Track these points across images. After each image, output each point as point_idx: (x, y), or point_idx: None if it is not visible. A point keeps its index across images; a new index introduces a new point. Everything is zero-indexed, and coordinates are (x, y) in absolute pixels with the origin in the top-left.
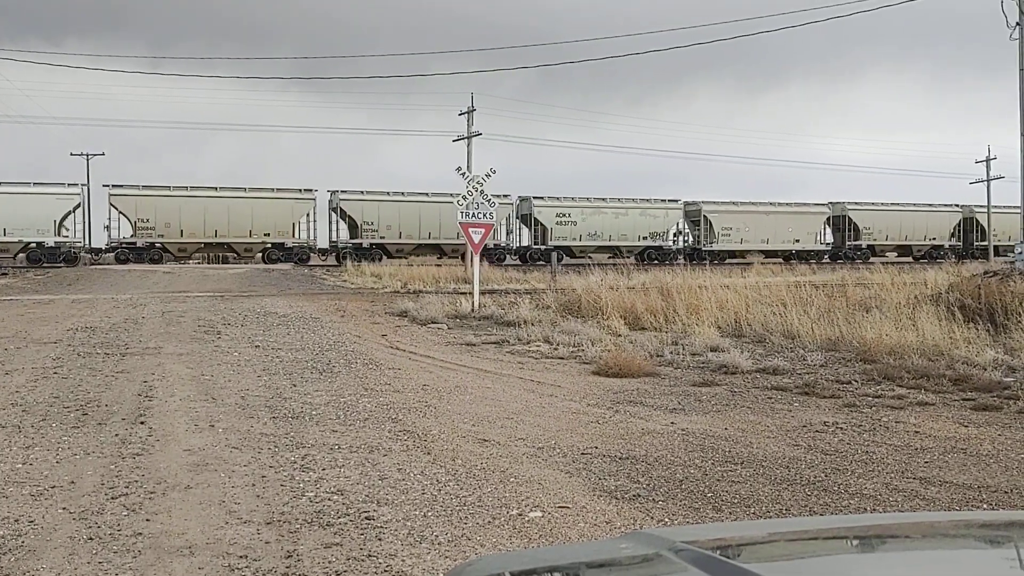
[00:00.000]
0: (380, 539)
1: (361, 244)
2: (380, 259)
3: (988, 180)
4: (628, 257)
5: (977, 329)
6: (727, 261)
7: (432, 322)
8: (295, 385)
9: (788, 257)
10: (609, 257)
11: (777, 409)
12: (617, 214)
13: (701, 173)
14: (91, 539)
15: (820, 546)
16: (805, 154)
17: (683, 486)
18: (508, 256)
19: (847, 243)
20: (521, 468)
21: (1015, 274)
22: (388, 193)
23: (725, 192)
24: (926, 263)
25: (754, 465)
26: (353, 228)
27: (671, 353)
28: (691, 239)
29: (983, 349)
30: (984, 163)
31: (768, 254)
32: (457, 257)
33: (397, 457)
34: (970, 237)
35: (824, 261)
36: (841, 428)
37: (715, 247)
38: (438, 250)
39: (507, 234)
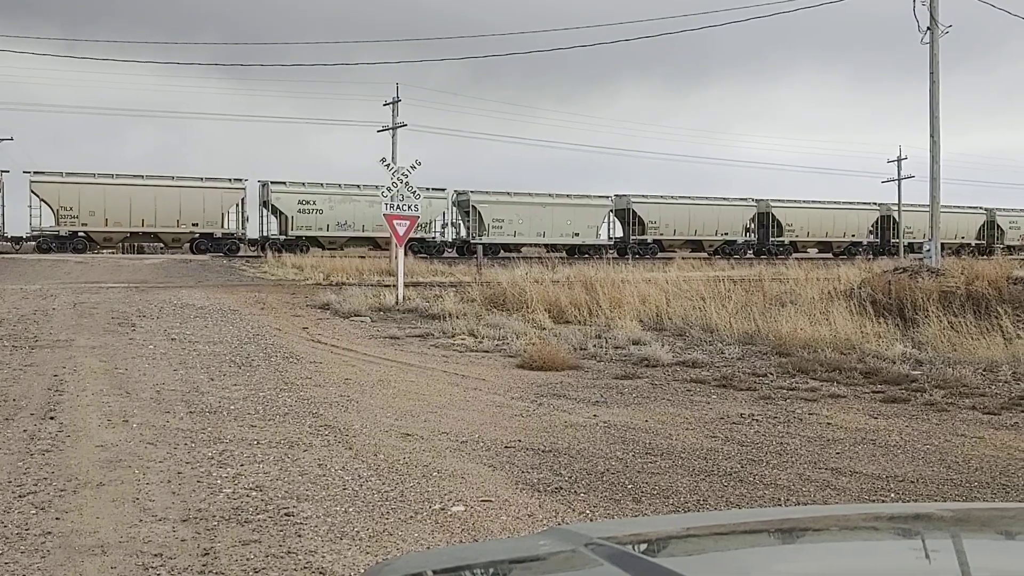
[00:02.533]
0: (300, 535)
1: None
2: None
3: (899, 179)
4: (387, 249)
5: (887, 324)
6: (500, 255)
7: (355, 315)
8: (213, 379)
9: (579, 249)
10: (370, 248)
11: (696, 401)
12: (372, 202)
13: (629, 168)
14: None
15: (735, 541)
16: (731, 152)
17: (604, 478)
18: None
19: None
20: (444, 462)
21: (924, 271)
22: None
23: (652, 187)
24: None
25: (673, 456)
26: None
27: (594, 346)
28: (464, 231)
29: (893, 343)
30: (896, 163)
31: (548, 248)
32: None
33: (318, 452)
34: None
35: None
36: (757, 420)
37: (484, 240)
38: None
39: (442, 228)
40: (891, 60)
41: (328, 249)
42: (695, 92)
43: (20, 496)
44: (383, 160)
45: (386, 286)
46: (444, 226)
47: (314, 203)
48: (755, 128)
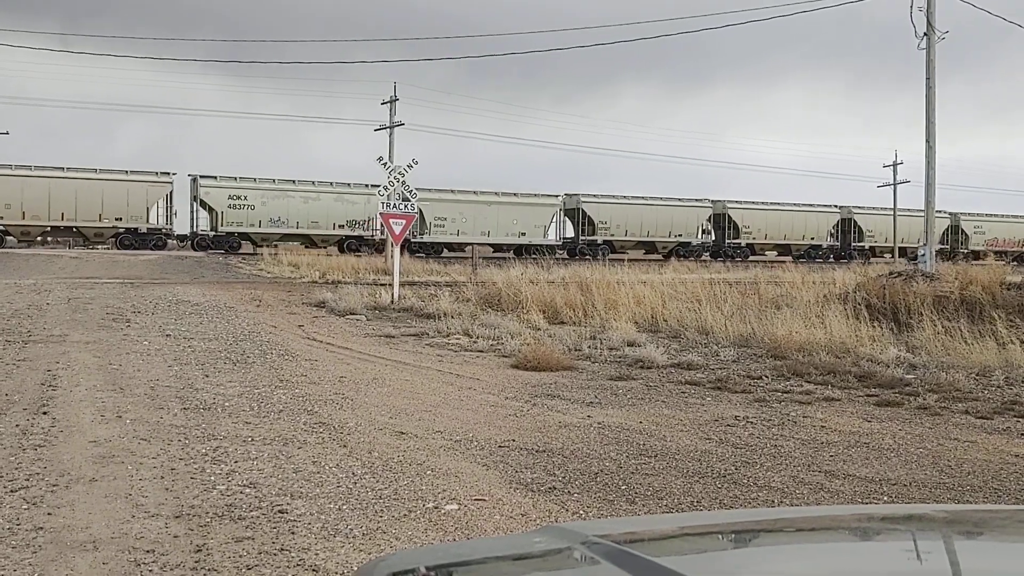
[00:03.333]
0: (293, 533)
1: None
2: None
3: (895, 184)
4: (323, 247)
5: (882, 328)
6: (443, 254)
7: (351, 313)
8: (207, 376)
9: (527, 249)
10: (305, 246)
11: (690, 403)
12: (307, 198)
13: (625, 170)
14: None
15: (729, 540)
16: (729, 155)
17: (598, 479)
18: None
19: (727, 241)
20: (438, 461)
21: (918, 275)
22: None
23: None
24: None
25: (667, 458)
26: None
27: (589, 347)
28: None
29: (887, 347)
30: (892, 167)
31: (494, 248)
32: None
33: (312, 450)
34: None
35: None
36: (751, 422)
37: (426, 239)
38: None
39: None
40: (888, 65)
41: (260, 246)
42: (694, 95)
43: (11, 491)
44: (380, 159)
45: (382, 285)
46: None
47: (245, 198)
48: (753, 131)
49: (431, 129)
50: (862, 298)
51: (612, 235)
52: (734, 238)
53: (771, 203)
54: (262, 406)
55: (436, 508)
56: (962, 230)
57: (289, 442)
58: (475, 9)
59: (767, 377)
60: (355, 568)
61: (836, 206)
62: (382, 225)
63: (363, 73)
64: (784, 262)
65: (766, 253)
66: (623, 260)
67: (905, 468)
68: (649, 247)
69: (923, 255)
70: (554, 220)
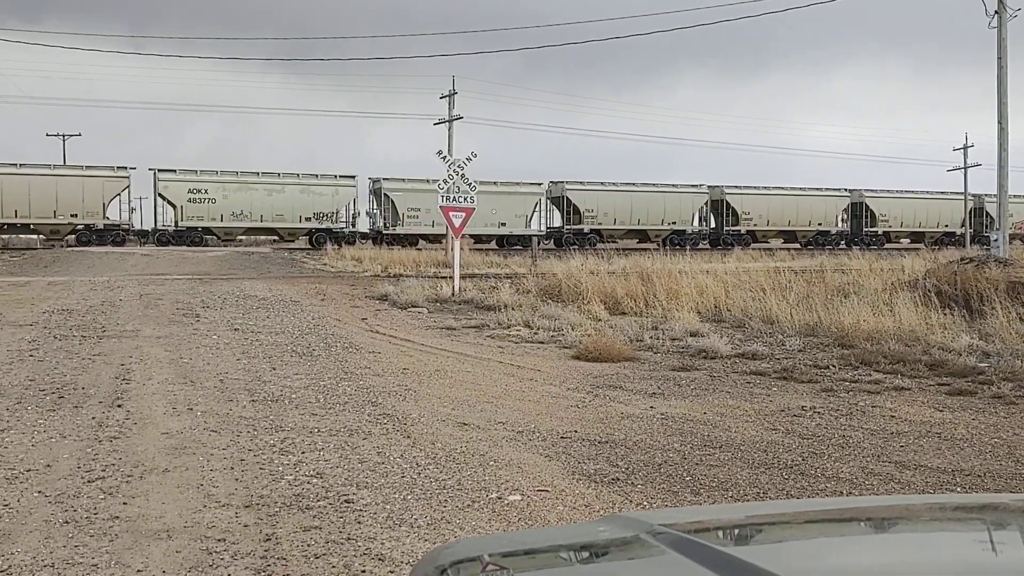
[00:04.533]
0: (359, 522)
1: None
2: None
3: (965, 167)
4: (291, 240)
5: (953, 315)
6: (418, 245)
7: (412, 306)
8: (274, 368)
9: (508, 240)
10: (274, 241)
11: (756, 394)
12: (271, 191)
13: (685, 158)
14: (67, 523)
15: (798, 529)
16: (787, 140)
17: (662, 470)
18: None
19: (724, 229)
20: (501, 452)
21: (991, 261)
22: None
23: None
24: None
25: (732, 449)
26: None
27: (651, 338)
28: (380, 221)
29: (958, 335)
30: (962, 150)
31: (475, 238)
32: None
33: (377, 441)
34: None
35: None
36: (818, 412)
37: (399, 230)
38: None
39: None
40: (956, 47)
41: (225, 241)
42: (754, 81)
43: (89, 481)
44: (439, 152)
45: (442, 278)
46: (356, 215)
47: (206, 192)
48: (815, 117)
49: (489, 121)
50: (932, 285)
51: (600, 224)
52: (733, 225)
53: (773, 187)
54: (328, 398)
55: (499, 499)
56: (986, 212)
57: (354, 433)
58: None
59: (834, 366)
60: (420, 557)
61: (846, 189)
62: (353, 217)
63: (421, 67)
64: (791, 249)
65: (769, 240)
66: (612, 250)
67: (979, 458)
68: (641, 236)
69: (995, 240)
70: (537, 209)
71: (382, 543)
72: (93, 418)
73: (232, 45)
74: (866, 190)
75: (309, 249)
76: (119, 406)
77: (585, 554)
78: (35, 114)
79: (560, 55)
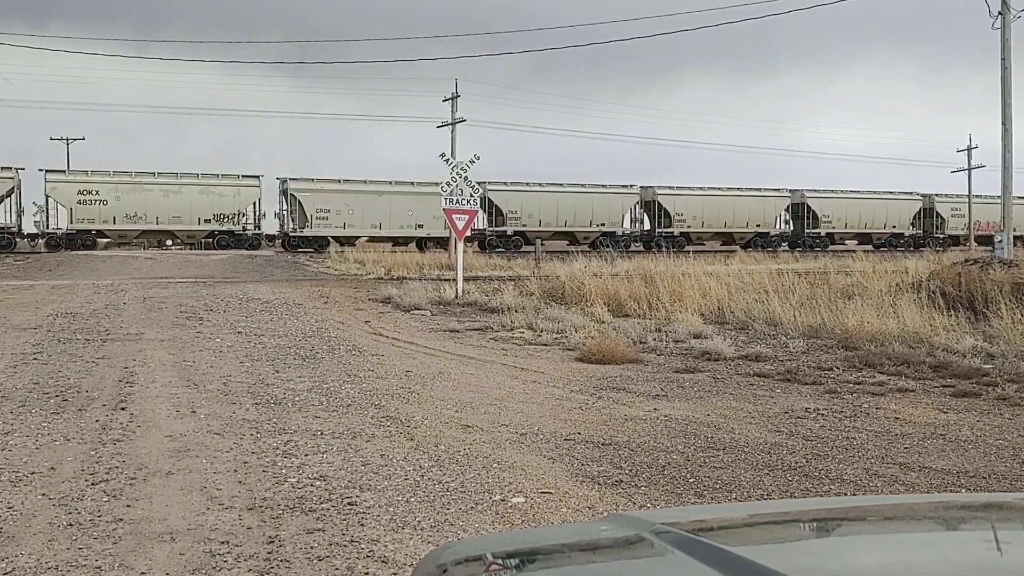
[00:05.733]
0: (363, 524)
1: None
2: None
3: (969, 169)
4: (191, 243)
5: (957, 317)
6: (328, 248)
7: (416, 308)
8: (278, 371)
9: (426, 242)
10: (167, 242)
11: (759, 396)
12: (167, 191)
13: (690, 160)
14: (71, 525)
15: (801, 528)
16: (791, 142)
17: (665, 472)
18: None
19: (806, 231)
20: (504, 454)
21: (995, 262)
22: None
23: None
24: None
25: (736, 451)
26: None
27: (654, 340)
28: (288, 223)
29: (963, 336)
30: (966, 152)
31: (392, 241)
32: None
33: (380, 443)
34: (801, 224)
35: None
36: (822, 414)
37: (307, 232)
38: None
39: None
40: (960, 49)
41: (120, 243)
42: (759, 83)
43: (93, 484)
44: (442, 155)
45: (445, 280)
46: (262, 217)
47: (97, 193)
48: (821, 119)
49: (493, 124)
50: (936, 286)
51: (524, 225)
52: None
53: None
54: (331, 401)
55: (503, 501)
56: (937, 213)
57: (358, 436)
58: (535, 3)
59: (838, 368)
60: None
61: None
62: (260, 219)
63: (427, 71)
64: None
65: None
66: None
67: (984, 460)
68: (570, 238)
69: (1000, 241)
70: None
71: (385, 545)
72: (97, 421)
73: (236, 49)
74: (808, 190)
75: (312, 252)
76: (123, 409)
77: (588, 553)
78: (39, 118)
79: (568, 59)
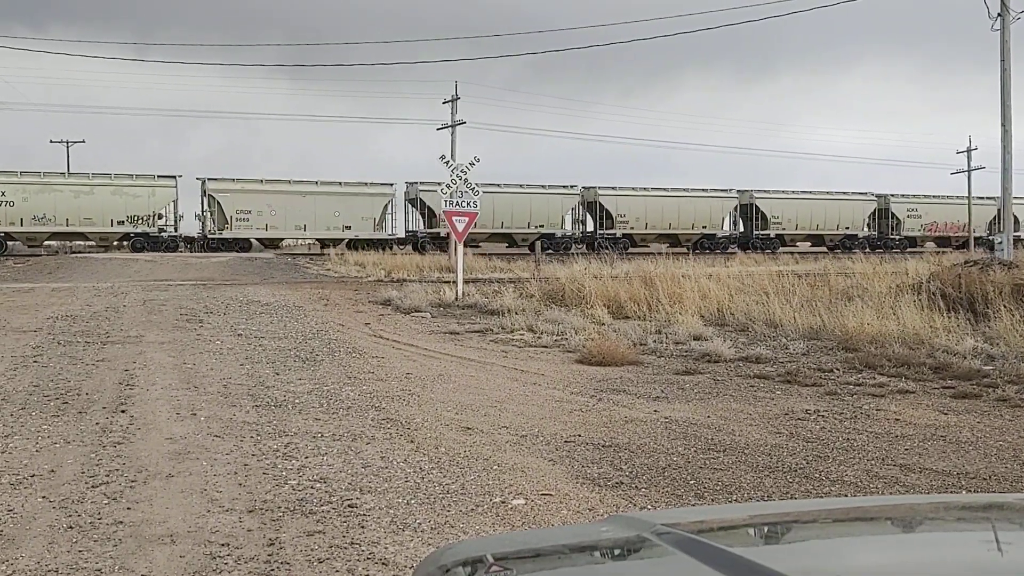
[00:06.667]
0: (363, 527)
1: None
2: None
3: (969, 171)
4: (105, 246)
5: (957, 318)
6: (248, 250)
7: (416, 311)
8: (278, 373)
9: (356, 244)
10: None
11: (759, 397)
12: (78, 192)
13: (690, 162)
14: (71, 528)
15: (802, 529)
16: (794, 144)
17: (666, 473)
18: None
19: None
20: (504, 456)
21: (995, 263)
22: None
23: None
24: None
25: (736, 452)
26: None
27: (654, 342)
28: (208, 224)
29: (963, 338)
30: (965, 153)
31: (321, 243)
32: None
33: (380, 445)
34: (751, 225)
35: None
36: (823, 416)
37: (227, 234)
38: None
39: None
40: (961, 50)
41: (30, 246)
42: (761, 84)
43: (93, 487)
44: (443, 157)
45: (446, 282)
46: (180, 218)
47: (3, 195)
48: (821, 120)
49: (493, 127)
50: (936, 288)
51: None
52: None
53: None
54: (331, 403)
55: (503, 503)
56: (893, 214)
57: (358, 438)
58: (537, 3)
59: (838, 370)
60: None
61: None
62: (178, 220)
63: (427, 73)
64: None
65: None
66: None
67: (984, 461)
68: (508, 239)
69: (1000, 242)
70: (387, 210)
71: (385, 547)
72: (97, 423)
73: (236, 52)
74: (756, 190)
75: (313, 255)
76: (123, 411)
77: (589, 554)
78: (40, 121)
79: (569, 61)
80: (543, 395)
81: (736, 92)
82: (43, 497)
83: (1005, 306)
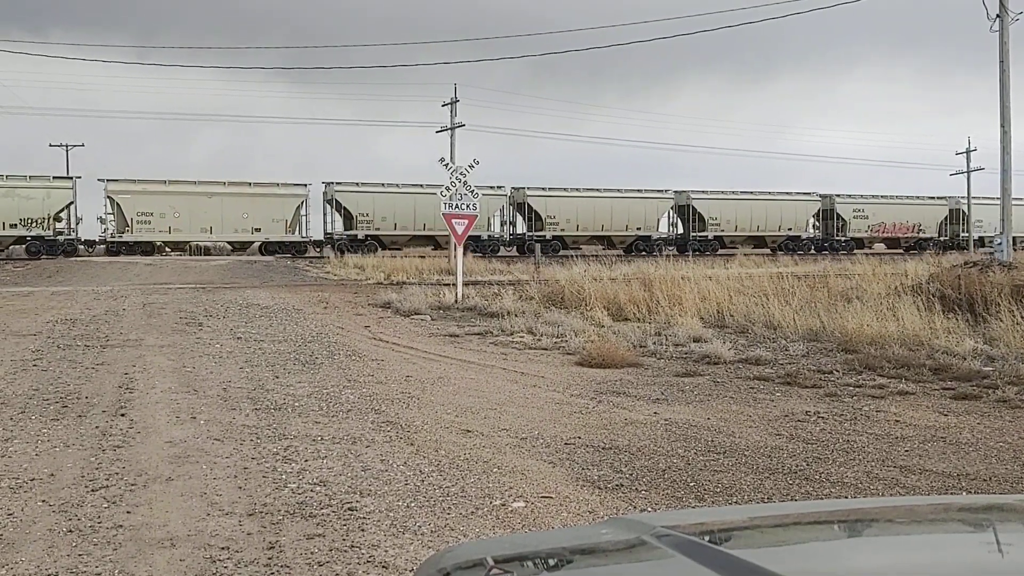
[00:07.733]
0: (363, 530)
1: None
2: None
3: (968, 172)
4: (35, 255)
5: (957, 319)
6: (154, 254)
7: (415, 313)
8: (277, 377)
9: (267, 247)
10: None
11: (759, 399)
12: (7, 194)
13: (692, 164)
14: (71, 531)
15: (802, 531)
16: (795, 146)
17: (666, 475)
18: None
19: (692, 234)
20: (504, 458)
21: (995, 264)
22: None
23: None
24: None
25: (736, 454)
26: None
27: (654, 344)
28: (108, 227)
29: (963, 339)
30: (964, 154)
31: (233, 246)
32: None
33: (380, 448)
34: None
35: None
36: (823, 417)
37: (128, 238)
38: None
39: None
40: (961, 52)
41: None
42: (762, 87)
43: (92, 490)
44: (442, 160)
45: (445, 285)
46: (79, 221)
47: None
48: (823, 122)
49: (493, 129)
50: (936, 289)
51: (377, 229)
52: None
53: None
54: (331, 406)
55: (503, 505)
56: (837, 214)
57: (358, 441)
58: (537, 5)
59: (838, 371)
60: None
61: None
62: (77, 223)
63: (427, 75)
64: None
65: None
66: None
67: (984, 463)
68: (431, 242)
69: (999, 244)
70: (300, 212)
71: (385, 550)
72: (97, 427)
73: (237, 55)
74: (693, 191)
75: (313, 257)
76: (122, 415)
77: (589, 556)
78: (40, 125)
79: (569, 63)
80: (543, 397)
81: (737, 94)
82: (43, 501)
83: (1005, 307)
